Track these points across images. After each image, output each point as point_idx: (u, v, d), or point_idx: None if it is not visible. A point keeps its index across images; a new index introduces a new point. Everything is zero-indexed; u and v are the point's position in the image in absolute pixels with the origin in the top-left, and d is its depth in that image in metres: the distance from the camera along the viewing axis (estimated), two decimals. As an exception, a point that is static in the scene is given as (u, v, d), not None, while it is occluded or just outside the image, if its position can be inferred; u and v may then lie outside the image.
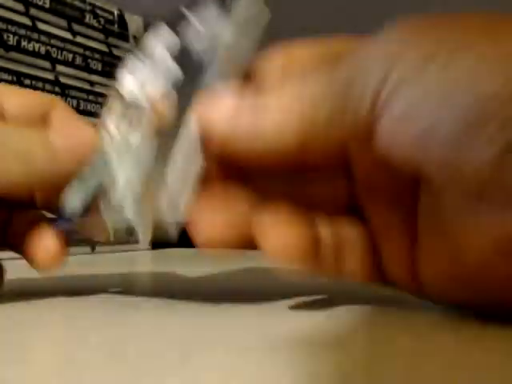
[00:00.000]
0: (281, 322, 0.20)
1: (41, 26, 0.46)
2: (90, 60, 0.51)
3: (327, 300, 0.25)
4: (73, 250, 0.47)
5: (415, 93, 0.17)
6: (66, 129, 0.24)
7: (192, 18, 0.22)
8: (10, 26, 0.44)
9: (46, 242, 0.23)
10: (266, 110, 0.19)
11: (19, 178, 0.22)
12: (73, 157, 0.22)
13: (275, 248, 0.20)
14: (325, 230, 0.21)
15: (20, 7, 0.45)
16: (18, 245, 0.24)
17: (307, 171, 0.21)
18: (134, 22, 0.57)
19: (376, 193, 0.21)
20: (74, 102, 0.50)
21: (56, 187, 0.22)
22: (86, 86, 0.51)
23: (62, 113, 0.25)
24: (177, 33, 0.22)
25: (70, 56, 0.49)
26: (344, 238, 0.21)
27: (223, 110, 0.20)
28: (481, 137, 0.16)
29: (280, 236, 0.20)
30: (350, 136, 0.18)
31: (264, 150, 0.19)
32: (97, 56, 0.52)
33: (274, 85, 0.20)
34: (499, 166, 0.16)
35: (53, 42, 0.48)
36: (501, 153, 0.16)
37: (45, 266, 0.23)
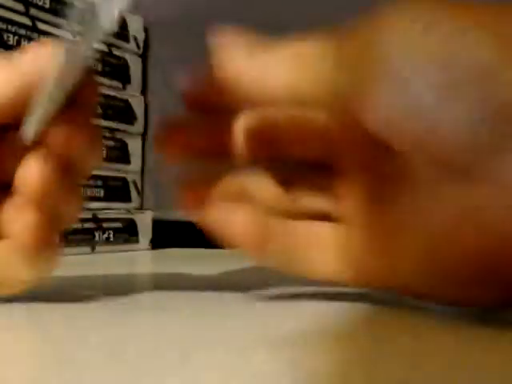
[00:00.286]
0: (281, 321, 0.20)
1: (41, 26, 0.46)
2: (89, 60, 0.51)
3: (327, 300, 0.24)
4: (73, 250, 0.47)
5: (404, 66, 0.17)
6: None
7: None
8: (9, 26, 0.44)
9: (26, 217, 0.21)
10: (276, 54, 0.20)
11: None
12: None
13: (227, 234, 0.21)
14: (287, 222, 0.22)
15: (20, 7, 0.45)
16: None
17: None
18: (133, 22, 0.57)
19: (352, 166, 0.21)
20: (74, 102, 0.50)
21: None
22: (86, 86, 0.51)
23: None
24: None
25: (70, 56, 0.49)
26: (314, 232, 0.22)
27: (242, 47, 0.20)
28: (460, 104, 0.16)
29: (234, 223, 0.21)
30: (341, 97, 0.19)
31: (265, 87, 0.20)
32: (97, 56, 0.52)
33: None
34: (475, 134, 0.16)
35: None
36: (479, 121, 0.16)
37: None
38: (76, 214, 0.23)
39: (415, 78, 0.17)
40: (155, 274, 0.40)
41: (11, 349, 0.16)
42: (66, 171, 0.21)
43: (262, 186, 0.23)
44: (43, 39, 0.22)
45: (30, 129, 0.21)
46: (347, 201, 0.22)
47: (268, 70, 0.20)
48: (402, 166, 0.19)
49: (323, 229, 0.22)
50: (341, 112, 0.19)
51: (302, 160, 0.23)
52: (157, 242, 0.56)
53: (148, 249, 0.55)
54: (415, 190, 0.19)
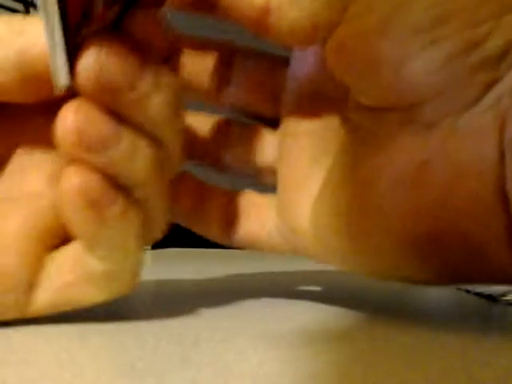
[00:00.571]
0: (280, 321, 0.20)
1: (41, 26, 0.47)
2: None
3: (327, 300, 0.25)
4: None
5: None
6: None
7: None
8: (10, 26, 0.44)
9: None
10: None
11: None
12: None
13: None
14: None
15: (20, 7, 0.45)
16: None
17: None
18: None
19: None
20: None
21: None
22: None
23: None
24: None
25: (70, 56, 0.50)
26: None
27: None
28: (438, 50, 0.15)
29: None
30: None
31: None
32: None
33: None
34: (449, 82, 0.15)
35: (53, 42, 0.48)
36: (456, 71, 0.15)
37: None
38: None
39: (396, 18, 0.15)
40: (155, 274, 0.40)
41: (11, 349, 0.16)
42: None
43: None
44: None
45: (59, 72, 0.17)
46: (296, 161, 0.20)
47: None
48: (364, 120, 0.17)
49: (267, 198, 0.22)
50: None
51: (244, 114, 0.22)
52: (157, 242, 0.56)
53: (148, 249, 0.55)
54: (370, 149, 0.17)
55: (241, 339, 0.18)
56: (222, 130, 0.22)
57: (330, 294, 0.26)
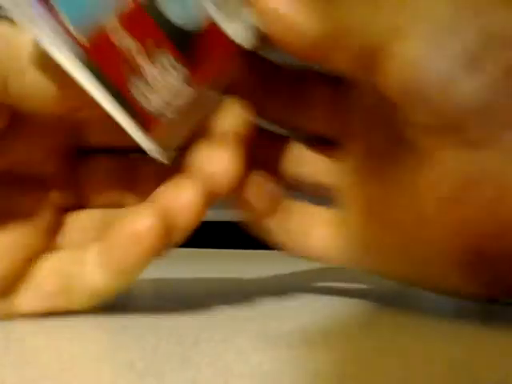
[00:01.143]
0: (280, 321, 0.20)
1: (41, 26, 0.46)
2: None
3: (327, 299, 0.25)
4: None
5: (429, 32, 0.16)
6: None
7: None
8: (9, 26, 0.44)
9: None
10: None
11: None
12: None
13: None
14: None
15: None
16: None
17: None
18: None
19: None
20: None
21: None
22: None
23: None
24: None
25: (70, 56, 0.49)
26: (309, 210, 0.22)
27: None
28: (478, 71, 0.16)
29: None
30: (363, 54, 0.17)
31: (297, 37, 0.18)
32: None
33: None
34: (490, 100, 0.16)
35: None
36: (495, 88, 0.16)
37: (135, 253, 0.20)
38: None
39: (434, 43, 0.16)
40: (155, 273, 0.40)
41: (11, 350, 0.16)
42: None
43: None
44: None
45: (140, 141, 0.18)
46: (347, 177, 0.21)
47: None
48: (404, 138, 0.18)
49: (319, 209, 0.23)
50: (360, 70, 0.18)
51: (305, 131, 0.23)
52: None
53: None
54: (416, 166, 0.18)
55: (241, 339, 0.18)
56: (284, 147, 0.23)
57: (330, 293, 0.26)
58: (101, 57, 0.17)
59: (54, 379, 0.13)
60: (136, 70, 0.18)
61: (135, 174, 0.22)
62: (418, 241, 0.18)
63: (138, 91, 0.18)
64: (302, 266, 0.37)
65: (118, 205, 0.22)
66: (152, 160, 0.19)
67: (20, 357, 0.15)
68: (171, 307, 0.23)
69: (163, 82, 0.18)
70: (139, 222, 0.19)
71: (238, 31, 0.20)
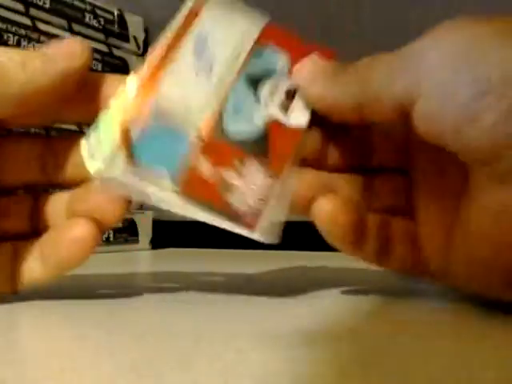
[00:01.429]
0: (280, 321, 0.20)
1: (41, 26, 0.46)
2: (90, 60, 0.51)
3: (327, 300, 0.25)
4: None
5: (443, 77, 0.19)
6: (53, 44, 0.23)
7: None
8: (9, 26, 0.44)
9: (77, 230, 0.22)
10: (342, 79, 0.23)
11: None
12: (68, 56, 0.22)
13: (325, 215, 0.23)
14: (374, 219, 0.24)
15: (20, 7, 0.45)
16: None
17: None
18: (133, 22, 0.57)
19: (430, 188, 0.24)
20: (74, 102, 0.49)
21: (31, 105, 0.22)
22: (86, 86, 0.51)
23: None
24: None
25: (70, 56, 0.49)
26: (392, 229, 0.24)
27: (318, 70, 0.24)
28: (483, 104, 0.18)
29: (331, 206, 0.23)
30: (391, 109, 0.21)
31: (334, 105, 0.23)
32: (97, 56, 0.52)
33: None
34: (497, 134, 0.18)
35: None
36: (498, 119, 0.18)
37: (77, 256, 0.22)
38: None
39: (454, 77, 0.19)
40: (155, 273, 0.40)
41: (11, 349, 0.16)
42: None
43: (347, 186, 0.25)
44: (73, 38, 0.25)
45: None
46: (419, 203, 0.24)
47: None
48: (461, 168, 0.21)
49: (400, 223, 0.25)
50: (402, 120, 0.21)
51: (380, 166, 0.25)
52: (157, 242, 0.56)
53: (148, 249, 0.55)
54: (472, 194, 0.20)
55: (241, 339, 0.18)
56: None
57: (330, 293, 0.26)
58: (195, 190, 0.21)
59: (54, 379, 0.13)
60: (229, 187, 0.22)
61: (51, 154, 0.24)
62: (474, 257, 0.21)
63: (235, 200, 0.22)
64: (301, 265, 0.37)
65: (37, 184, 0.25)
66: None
67: (20, 357, 0.15)
68: (171, 307, 0.23)
69: (253, 185, 0.22)
70: (76, 230, 0.22)
71: (296, 118, 0.24)
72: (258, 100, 0.23)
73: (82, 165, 0.23)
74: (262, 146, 0.23)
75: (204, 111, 0.22)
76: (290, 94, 0.24)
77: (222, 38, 0.24)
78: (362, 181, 0.25)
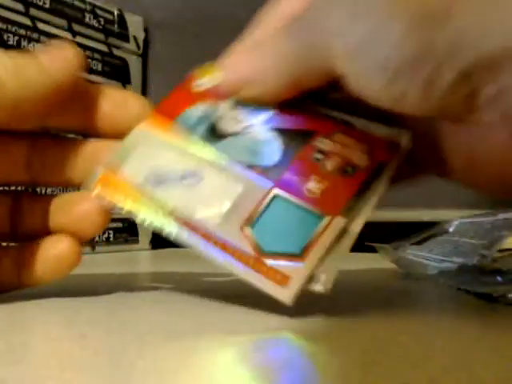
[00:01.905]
0: (280, 321, 0.20)
1: (41, 26, 0.46)
2: (90, 60, 0.51)
3: (328, 299, 0.25)
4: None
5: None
6: (54, 50, 0.23)
7: None
8: (9, 26, 0.44)
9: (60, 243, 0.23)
10: (262, 59, 0.22)
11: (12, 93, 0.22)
12: (63, 73, 0.23)
13: None
14: None
15: (20, 7, 0.45)
16: (31, 239, 0.24)
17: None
18: (133, 22, 0.57)
19: None
20: (74, 102, 0.50)
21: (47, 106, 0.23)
22: (86, 86, 0.51)
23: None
24: None
25: (70, 56, 0.49)
26: None
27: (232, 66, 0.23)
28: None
29: None
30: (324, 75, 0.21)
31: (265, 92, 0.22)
32: (97, 56, 0.52)
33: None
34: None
35: (53, 42, 0.48)
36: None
37: (58, 273, 0.23)
38: None
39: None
40: (155, 273, 0.40)
41: (11, 349, 0.16)
42: None
43: None
44: (64, 42, 0.25)
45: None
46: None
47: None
48: None
49: None
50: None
51: None
52: (157, 242, 0.56)
53: (148, 249, 0.55)
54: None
55: (241, 339, 0.18)
56: None
57: (330, 294, 0.26)
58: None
59: (54, 379, 0.13)
60: None
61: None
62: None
63: None
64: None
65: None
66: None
67: (21, 357, 0.15)
68: (171, 307, 0.23)
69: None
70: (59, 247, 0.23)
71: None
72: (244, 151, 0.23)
73: (68, 166, 0.23)
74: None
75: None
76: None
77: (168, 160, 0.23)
78: None
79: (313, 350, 0.17)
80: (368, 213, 0.21)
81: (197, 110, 0.24)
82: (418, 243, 0.42)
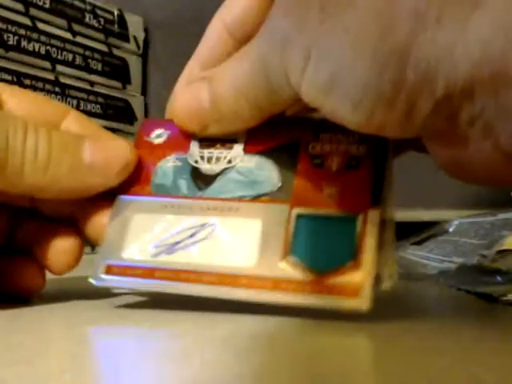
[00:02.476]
0: (280, 321, 0.20)
1: (41, 26, 0.46)
2: (89, 60, 0.51)
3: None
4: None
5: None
6: (99, 143, 0.22)
7: None
8: (9, 26, 0.44)
9: (62, 244, 0.23)
10: (216, 97, 0.21)
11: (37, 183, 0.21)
12: (103, 173, 0.22)
13: None
14: None
15: (20, 7, 0.45)
16: (30, 248, 0.23)
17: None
18: (133, 22, 0.57)
19: None
20: (74, 102, 0.49)
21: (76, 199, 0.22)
22: (86, 86, 0.51)
23: (78, 123, 0.24)
24: None
25: (70, 56, 0.49)
26: None
27: (183, 103, 0.22)
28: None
29: None
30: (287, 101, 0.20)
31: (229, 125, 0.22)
32: (97, 56, 0.52)
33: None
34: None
35: (53, 42, 0.48)
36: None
37: (61, 270, 0.23)
38: None
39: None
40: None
41: (12, 349, 0.16)
42: None
43: None
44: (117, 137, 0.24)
45: None
46: None
47: None
48: None
49: None
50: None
51: None
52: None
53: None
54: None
55: (241, 339, 0.18)
56: None
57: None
58: None
59: (55, 379, 0.13)
60: None
61: None
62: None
63: None
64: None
65: None
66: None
67: (21, 357, 0.15)
68: (171, 307, 0.23)
69: None
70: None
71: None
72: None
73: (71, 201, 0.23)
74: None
75: None
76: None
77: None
78: None
79: (312, 350, 0.16)
80: (392, 195, 0.21)
81: (169, 165, 0.23)
82: (418, 243, 0.42)
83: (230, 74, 0.21)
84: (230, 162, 0.22)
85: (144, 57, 0.59)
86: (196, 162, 0.23)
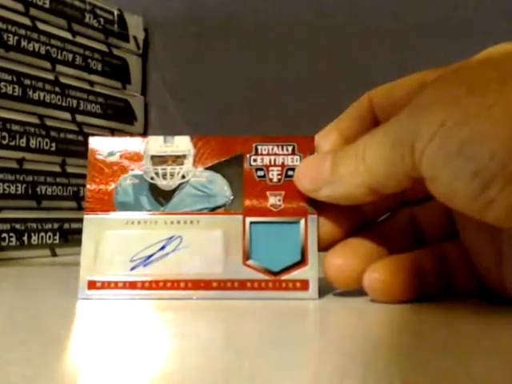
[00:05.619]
0: (280, 321, 0.20)
1: (41, 26, 0.46)
2: (89, 60, 0.51)
3: (326, 300, 0.25)
4: (73, 249, 0.47)
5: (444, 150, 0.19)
6: None
7: None
8: (9, 26, 0.44)
9: None
10: (338, 176, 0.23)
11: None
12: None
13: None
14: (429, 256, 0.24)
15: (20, 7, 0.45)
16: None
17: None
18: (133, 22, 0.57)
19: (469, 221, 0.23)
20: (74, 102, 0.49)
21: None
22: (86, 86, 0.51)
23: None
24: None
25: (70, 56, 0.49)
26: (448, 258, 0.24)
27: (310, 175, 0.24)
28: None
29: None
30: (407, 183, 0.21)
31: (346, 200, 0.23)
32: (97, 56, 0.52)
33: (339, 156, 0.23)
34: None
35: (53, 42, 0.48)
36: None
37: None
38: None
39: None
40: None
41: (12, 349, 0.16)
42: None
43: None
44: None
45: None
46: None
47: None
48: None
49: None
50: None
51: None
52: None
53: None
54: None
55: (241, 339, 0.18)
56: None
57: (329, 294, 0.26)
58: None
59: (54, 379, 0.13)
60: None
61: None
62: None
63: None
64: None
65: None
66: None
67: (21, 357, 0.15)
68: (172, 307, 0.23)
69: None
70: None
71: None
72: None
73: None
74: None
75: None
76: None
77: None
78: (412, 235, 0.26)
79: (312, 350, 0.16)
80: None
81: (127, 183, 0.25)
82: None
83: (366, 144, 0.22)
84: (183, 177, 0.25)
85: (144, 57, 0.59)
86: (152, 178, 0.25)
